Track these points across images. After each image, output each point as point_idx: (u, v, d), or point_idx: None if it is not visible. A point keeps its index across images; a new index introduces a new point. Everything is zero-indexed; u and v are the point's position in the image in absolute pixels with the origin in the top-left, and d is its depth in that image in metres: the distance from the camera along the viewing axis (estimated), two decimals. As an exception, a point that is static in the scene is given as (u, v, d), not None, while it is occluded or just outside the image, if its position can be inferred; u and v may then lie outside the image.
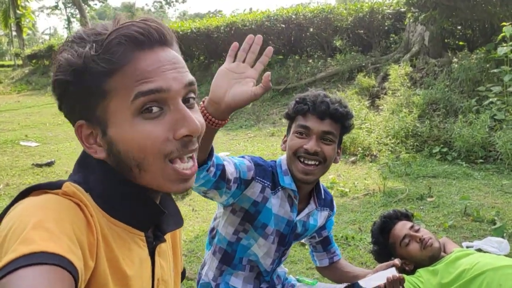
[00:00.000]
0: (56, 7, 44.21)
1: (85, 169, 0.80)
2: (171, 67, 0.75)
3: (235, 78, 1.09)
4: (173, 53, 0.77)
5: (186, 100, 0.77)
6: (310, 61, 9.97)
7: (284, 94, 9.02)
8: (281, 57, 10.70)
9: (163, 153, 0.74)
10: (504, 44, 5.21)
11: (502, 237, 2.93)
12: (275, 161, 1.74)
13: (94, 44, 0.72)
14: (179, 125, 0.74)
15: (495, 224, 3.13)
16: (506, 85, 5.27)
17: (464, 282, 2.09)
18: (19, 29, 25.32)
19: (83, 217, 0.70)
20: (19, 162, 5.84)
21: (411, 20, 8.02)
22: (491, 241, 2.85)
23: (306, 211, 1.77)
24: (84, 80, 0.73)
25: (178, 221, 0.92)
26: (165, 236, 0.90)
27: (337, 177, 4.68)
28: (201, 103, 1.13)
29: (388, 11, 9.45)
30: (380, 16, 9.41)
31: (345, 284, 1.83)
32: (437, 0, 6.66)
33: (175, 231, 0.97)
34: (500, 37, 5.36)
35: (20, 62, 23.95)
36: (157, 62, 0.74)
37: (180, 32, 11.62)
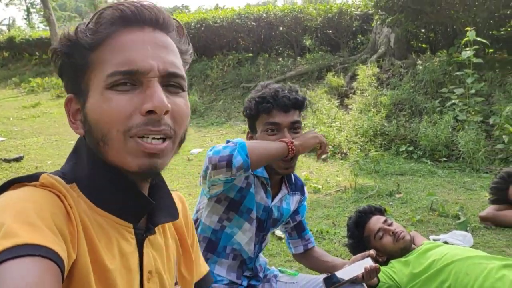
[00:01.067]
0: (15, -4, 42.44)
1: (75, 158, 0.80)
2: (154, 47, 0.74)
3: None
4: (165, 38, 0.76)
5: (169, 85, 0.76)
6: (280, 59, 10.10)
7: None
8: (251, 55, 10.77)
9: (124, 127, 0.72)
10: (468, 48, 5.48)
11: (466, 230, 3.11)
12: None
13: (88, 20, 0.75)
14: (146, 100, 0.72)
15: (459, 218, 3.31)
16: (468, 87, 5.54)
17: (434, 272, 2.23)
18: (-23, 19, 24.21)
19: (63, 208, 0.69)
20: (-15, 157, 5.68)
21: (378, 22, 8.26)
22: (456, 234, 3.03)
23: (279, 196, 1.85)
24: (74, 52, 0.75)
25: (172, 214, 0.89)
26: (168, 230, 0.90)
27: (309, 174, 4.82)
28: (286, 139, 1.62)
29: (356, 12, 9.70)
30: (348, 17, 9.64)
31: (324, 275, 1.91)
32: (404, 3, 6.91)
33: (183, 227, 0.97)
34: (463, 41, 5.63)
35: (-23, 53, 22.92)
36: (140, 39, 0.73)
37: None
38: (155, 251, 0.85)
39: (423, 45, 8.82)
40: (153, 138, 0.73)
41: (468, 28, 5.58)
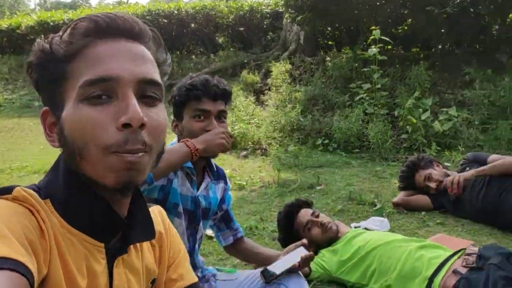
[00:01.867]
0: None
1: (52, 174, 0.78)
2: (128, 57, 0.72)
3: None
4: (140, 48, 0.75)
5: (145, 96, 0.74)
6: (193, 57, 10.05)
7: (169, 89, 8.95)
8: (162, 52, 10.56)
9: (103, 143, 0.69)
10: (373, 46, 5.89)
11: (382, 216, 3.36)
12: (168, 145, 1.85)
13: (62, 31, 0.74)
14: (120, 113, 0.69)
15: (375, 206, 3.57)
16: (375, 82, 5.96)
17: (360, 257, 2.39)
18: None
19: (36, 222, 0.67)
20: None
21: (288, 20, 8.55)
22: (374, 220, 3.26)
23: (204, 185, 1.88)
24: (49, 64, 0.73)
25: (147, 233, 0.86)
26: (145, 246, 0.88)
27: (232, 171, 4.87)
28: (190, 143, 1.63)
29: (267, 10, 9.95)
30: (259, 15, 9.86)
31: (261, 268, 1.96)
32: (312, 3, 7.23)
33: (161, 244, 0.94)
34: (370, 39, 6.03)
35: None
36: (114, 50, 0.72)
37: (51, 24, 10.83)
38: (129, 271, 0.83)
39: (329, 42, 9.28)
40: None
41: (373, 27, 6.00)
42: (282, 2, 7.93)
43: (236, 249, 2.21)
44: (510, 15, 6.74)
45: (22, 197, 0.68)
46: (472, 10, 6.46)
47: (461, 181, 3.22)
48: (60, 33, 0.74)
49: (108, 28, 0.73)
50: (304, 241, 2.05)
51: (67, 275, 0.70)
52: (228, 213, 2.15)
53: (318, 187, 4.17)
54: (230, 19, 9.89)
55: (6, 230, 0.60)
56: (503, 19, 6.76)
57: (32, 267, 0.60)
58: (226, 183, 2.06)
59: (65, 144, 0.73)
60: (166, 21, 10.12)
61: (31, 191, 0.70)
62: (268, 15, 9.93)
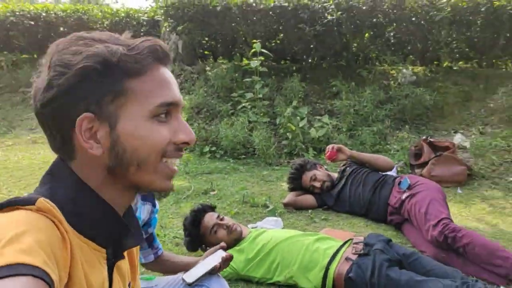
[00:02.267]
0: None
1: (53, 181, 0.80)
2: (175, 84, 0.85)
3: None
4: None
5: None
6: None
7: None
8: (27, 56, 9.75)
9: (162, 152, 0.81)
10: (255, 58, 6.26)
11: (275, 216, 3.64)
12: None
13: (125, 46, 0.79)
14: (180, 132, 0.83)
15: (268, 207, 3.84)
16: (257, 92, 6.33)
17: (264, 254, 2.61)
18: None
19: (58, 234, 0.70)
20: None
21: (168, 29, 8.56)
22: (269, 220, 3.52)
23: None
24: (109, 74, 0.77)
25: (138, 238, 0.92)
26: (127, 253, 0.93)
27: (123, 181, 4.77)
28: None
29: (144, 18, 9.80)
30: (135, 22, 9.67)
31: (181, 274, 2.03)
32: (193, 14, 7.39)
33: (132, 250, 0.99)
34: (251, 52, 6.39)
35: None
36: (169, 77, 0.84)
37: None
38: (120, 276, 0.88)
39: (206, 52, 9.50)
40: (175, 164, 0.86)
41: (254, 41, 6.37)
42: (162, 11, 7.93)
43: (157, 264, 2.23)
44: (366, 34, 7.68)
45: (46, 208, 0.70)
46: (336, 29, 7.21)
47: (336, 148, 3.73)
48: (120, 47, 0.78)
49: (163, 55, 0.83)
50: (223, 244, 2.17)
51: (87, 282, 0.74)
52: (152, 234, 2.17)
53: (212, 193, 4.32)
54: (105, 25, 9.52)
55: (32, 241, 0.63)
56: (361, 38, 7.69)
57: (54, 276, 0.63)
58: (154, 205, 2.08)
59: (120, 155, 0.80)
60: (32, 23, 9.35)
61: (52, 203, 0.72)
62: (145, 23, 9.79)
